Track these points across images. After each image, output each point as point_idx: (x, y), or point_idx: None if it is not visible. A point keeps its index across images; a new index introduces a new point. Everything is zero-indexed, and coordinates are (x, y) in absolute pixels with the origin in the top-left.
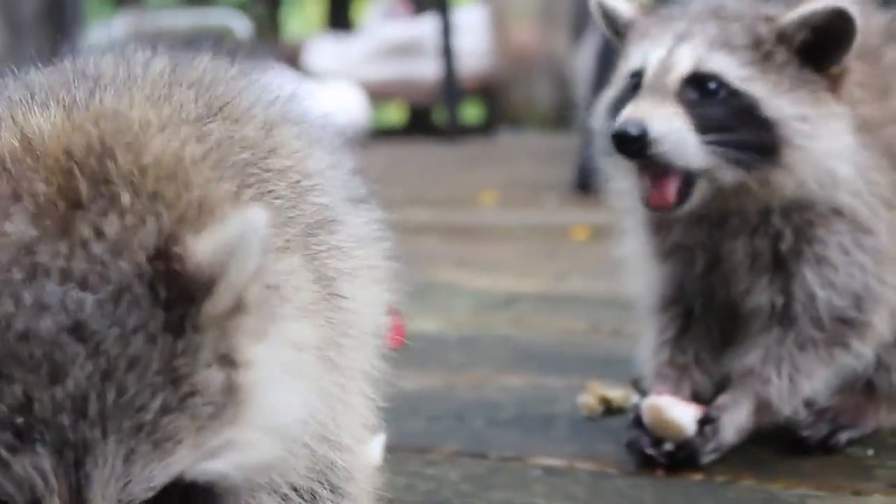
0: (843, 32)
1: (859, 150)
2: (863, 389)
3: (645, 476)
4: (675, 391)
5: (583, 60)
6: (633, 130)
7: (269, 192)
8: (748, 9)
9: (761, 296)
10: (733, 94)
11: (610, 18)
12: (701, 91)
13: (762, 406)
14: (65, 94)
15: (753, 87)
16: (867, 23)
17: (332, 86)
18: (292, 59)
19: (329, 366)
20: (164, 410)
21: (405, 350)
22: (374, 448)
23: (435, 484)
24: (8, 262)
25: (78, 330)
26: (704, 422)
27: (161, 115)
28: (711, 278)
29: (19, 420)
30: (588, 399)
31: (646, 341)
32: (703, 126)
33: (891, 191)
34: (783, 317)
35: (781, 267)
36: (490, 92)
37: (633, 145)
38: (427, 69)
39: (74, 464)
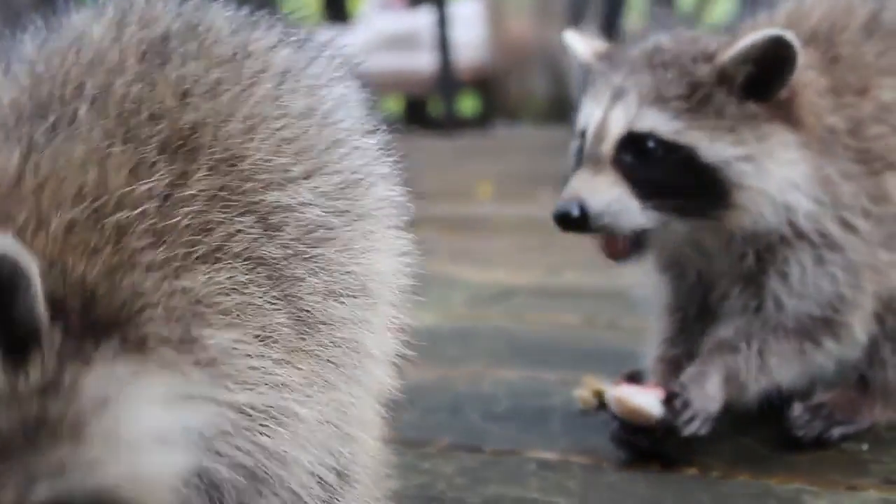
0: (785, 59)
1: (822, 168)
2: (857, 385)
3: (639, 470)
4: (664, 383)
5: None
6: (574, 211)
7: None
8: (686, 46)
9: (735, 302)
10: (670, 149)
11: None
12: (637, 151)
13: (730, 376)
14: None
15: (689, 137)
16: (848, 15)
17: None
18: None
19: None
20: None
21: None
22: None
23: (429, 477)
24: None
25: None
26: (670, 399)
27: None
28: (701, 287)
29: None
30: (583, 393)
31: (649, 343)
32: (644, 187)
33: (865, 196)
34: (756, 311)
35: (751, 281)
36: (486, 84)
37: (574, 224)
38: (423, 61)
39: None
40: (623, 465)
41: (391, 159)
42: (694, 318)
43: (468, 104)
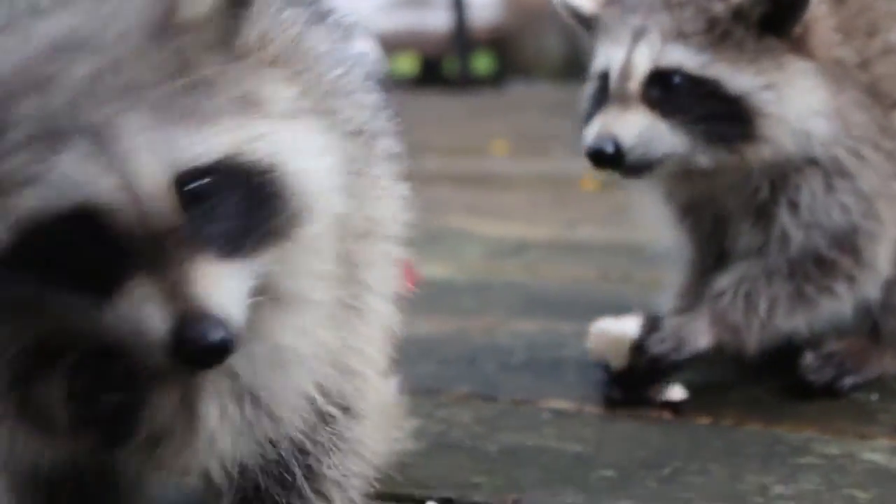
0: (799, 2)
1: (835, 96)
2: (869, 334)
3: (652, 419)
4: None
5: None
6: (608, 147)
7: None
8: None
9: (745, 238)
10: (695, 82)
11: (576, 15)
12: (664, 86)
13: (718, 318)
14: None
15: (713, 70)
16: None
17: None
18: None
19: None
20: (179, 91)
21: (417, 295)
22: (387, 390)
23: (446, 426)
24: None
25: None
26: (650, 324)
27: None
28: (718, 233)
29: (44, 126)
30: (596, 344)
31: (665, 295)
32: (673, 119)
33: (876, 129)
34: (759, 253)
35: (762, 213)
36: (500, 43)
37: (609, 161)
38: (438, 20)
39: (110, 146)
40: (637, 414)
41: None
42: (711, 268)
43: (483, 63)
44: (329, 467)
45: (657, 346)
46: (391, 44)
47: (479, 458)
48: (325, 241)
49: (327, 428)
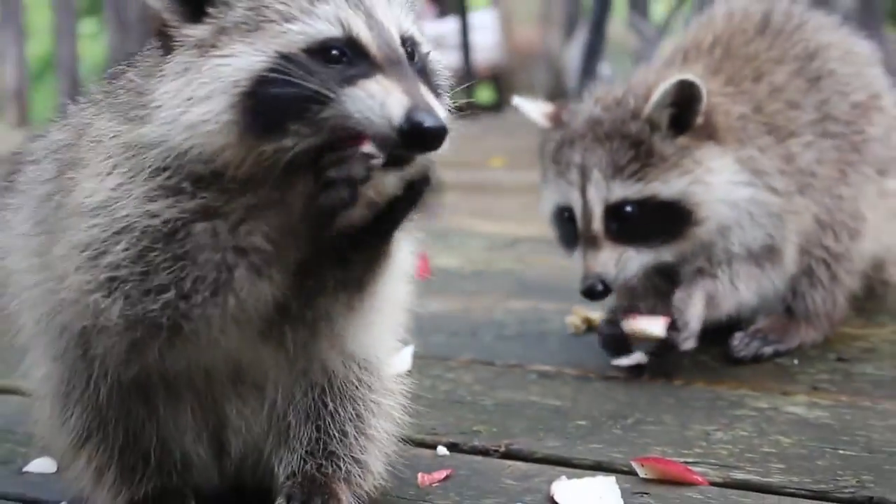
0: (692, 95)
1: (742, 156)
2: (785, 313)
3: (618, 379)
4: (628, 301)
5: (572, 55)
6: (598, 287)
7: None
8: (615, 112)
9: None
10: (641, 204)
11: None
12: (618, 216)
13: (709, 298)
14: None
15: (650, 190)
16: (744, 20)
17: None
18: None
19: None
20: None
21: (430, 281)
22: (405, 357)
23: (453, 385)
24: None
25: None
26: (673, 324)
27: None
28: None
29: None
30: (574, 319)
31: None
32: (634, 239)
33: (778, 160)
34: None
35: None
36: (499, 78)
37: (602, 295)
38: (449, 59)
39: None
40: (605, 376)
41: None
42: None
43: (485, 94)
44: (371, 428)
45: (685, 344)
46: None
47: (479, 410)
48: None
49: (372, 396)
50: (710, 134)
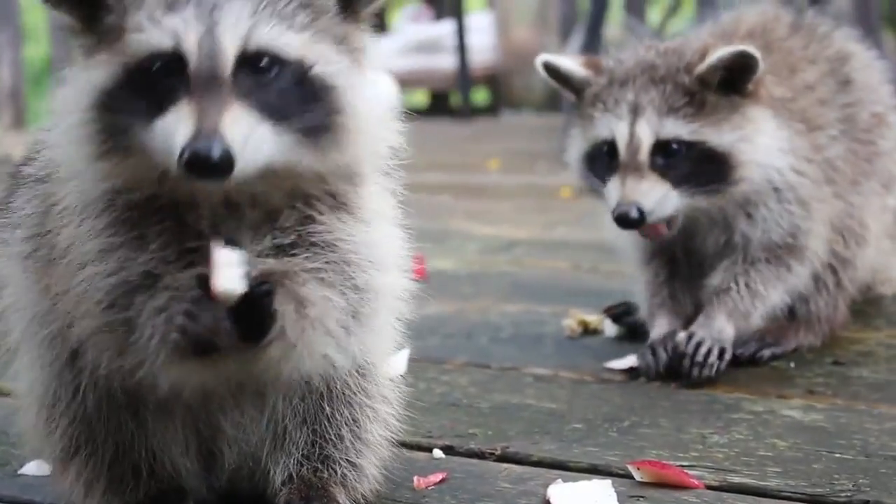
0: (748, 65)
1: (784, 130)
2: (786, 316)
3: (614, 382)
4: (672, 321)
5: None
6: (634, 214)
7: None
8: (671, 59)
9: (711, 240)
10: (690, 146)
11: (564, 78)
12: (666, 153)
13: (731, 312)
14: None
15: (702, 135)
16: (776, 21)
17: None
18: None
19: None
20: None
21: (426, 283)
22: (400, 360)
23: (448, 388)
24: None
25: None
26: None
27: None
28: (684, 233)
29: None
30: (570, 322)
31: (641, 285)
32: (677, 179)
33: (808, 147)
34: (728, 248)
35: (724, 221)
36: (495, 81)
37: (634, 223)
38: (445, 62)
39: (210, 14)
40: (601, 378)
41: None
42: (680, 259)
43: (481, 96)
44: (367, 432)
45: (710, 357)
46: (406, 81)
47: (474, 413)
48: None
49: (368, 401)
50: (758, 99)
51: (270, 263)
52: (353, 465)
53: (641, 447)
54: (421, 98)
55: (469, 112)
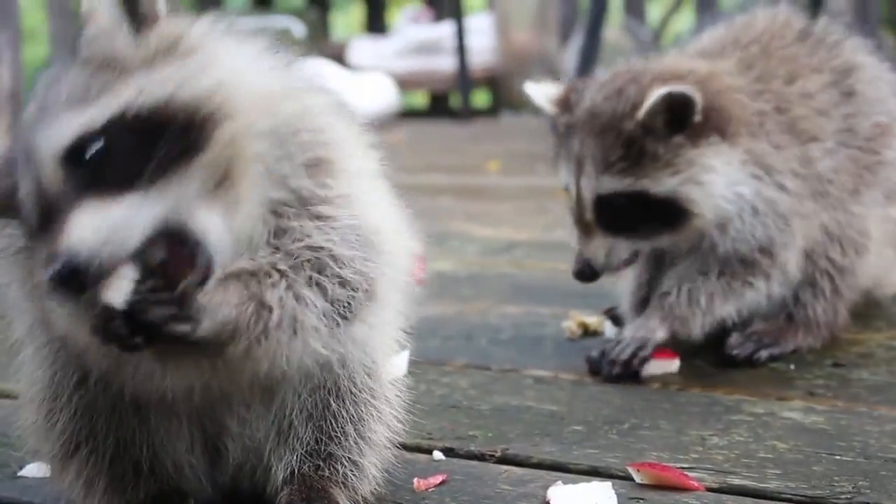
0: (686, 104)
1: (752, 149)
2: (785, 319)
3: (614, 385)
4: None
5: (568, 58)
6: (586, 270)
7: None
8: (615, 103)
9: (680, 247)
10: (633, 197)
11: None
12: (609, 207)
13: (667, 314)
14: None
15: (642, 185)
16: (786, 27)
17: (370, 77)
18: (338, 55)
19: None
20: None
21: (426, 284)
22: (400, 362)
23: (448, 390)
24: None
25: None
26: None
27: None
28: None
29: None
30: (570, 324)
31: (624, 284)
32: (625, 230)
33: (794, 161)
34: (692, 252)
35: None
36: (495, 82)
37: (590, 278)
38: (445, 64)
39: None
40: (601, 380)
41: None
42: (659, 264)
43: (481, 98)
44: (371, 431)
45: (622, 354)
46: (407, 82)
47: (475, 415)
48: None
49: (373, 400)
50: (717, 128)
51: (241, 263)
52: (355, 464)
53: (641, 449)
54: (421, 99)
55: (469, 113)
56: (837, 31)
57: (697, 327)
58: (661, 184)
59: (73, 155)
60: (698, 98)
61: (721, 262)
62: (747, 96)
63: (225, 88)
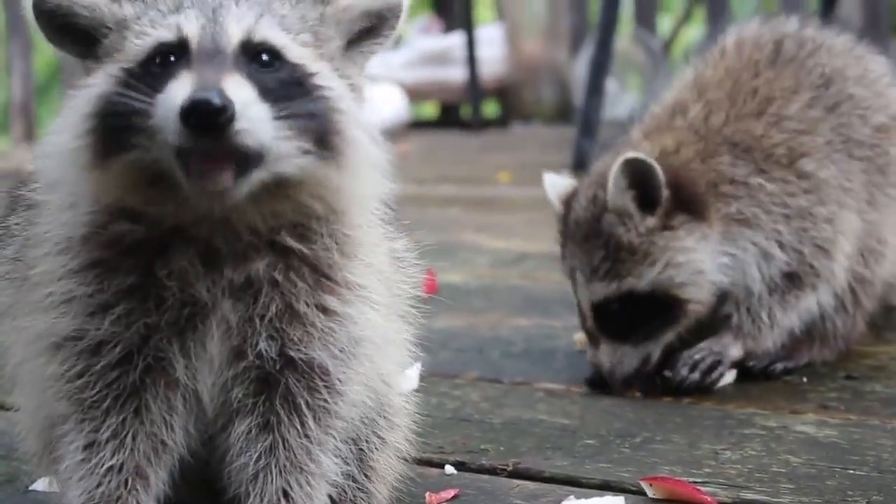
0: (646, 171)
1: (730, 213)
2: (801, 331)
3: (626, 398)
4: None
5: (579, 69)
6: (597, 380)
7: None
8: (590, 206)
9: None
10: (621, 301)
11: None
12: (607, 312)
13: (737, 334)
14: None
15: (625, 286)
16: (759, 50)
17: (381, 88)
18: None
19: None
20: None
21: (437, 297)
22: (412, 375)
23: (460, 403)
24: None
25: None
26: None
27: None
28: None
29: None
30: (582, 337)
31: None
32: (630, 327)
33: (795, 175)
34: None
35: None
36: (505, 92)
37: (602, 388)
38: (455, 74)
39: (214, 12)
40: (613, 393)
41: None
42: None
43: (491, 108)
44: (375, 461)
45: (703, 363)
46: (417, 93)
47: (486, 429)
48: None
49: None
50: (684, 205)
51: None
52: (363, 490)
53: (654, 463)
54: (431, 110)
55: (479, 124)
56: (811, 36)
57: (768, 341)
58: (643, 278)
59: (255, 52)
60: (657, 165)
61: (769, 281)
62: (704, 159)
63: None
